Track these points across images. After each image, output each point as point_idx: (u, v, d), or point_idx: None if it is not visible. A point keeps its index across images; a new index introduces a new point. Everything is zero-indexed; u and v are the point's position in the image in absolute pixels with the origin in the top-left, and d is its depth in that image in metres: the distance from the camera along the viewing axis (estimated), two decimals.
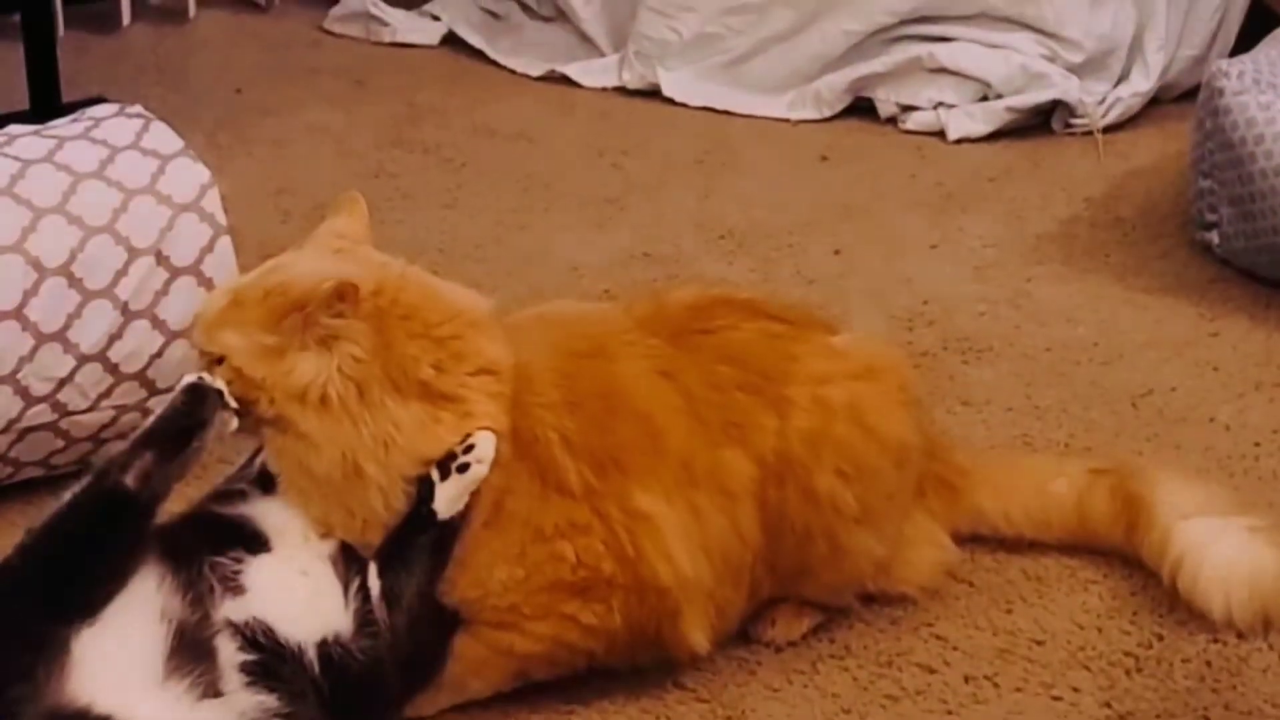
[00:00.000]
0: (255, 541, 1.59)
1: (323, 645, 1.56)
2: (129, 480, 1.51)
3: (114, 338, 1.92)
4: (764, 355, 1.75)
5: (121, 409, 1.95)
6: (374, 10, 3.65)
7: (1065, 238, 2.76)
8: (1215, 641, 1.81)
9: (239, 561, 1.56)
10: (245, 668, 1.51)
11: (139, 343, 1.94)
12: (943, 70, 3.18)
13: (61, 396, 1.92)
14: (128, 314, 1.93)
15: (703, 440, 1.69)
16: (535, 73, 3.43)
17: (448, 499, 1.60)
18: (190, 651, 1.49)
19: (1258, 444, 2.18)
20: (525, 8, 3.59)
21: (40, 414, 1.92)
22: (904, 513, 1.81)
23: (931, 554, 1.86)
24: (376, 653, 1.58)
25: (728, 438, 1.70)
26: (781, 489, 1.71)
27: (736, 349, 1.75)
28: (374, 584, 1.60)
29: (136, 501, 1.52)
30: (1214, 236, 2.63)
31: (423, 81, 3.41)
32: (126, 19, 3.67)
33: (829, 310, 2.46)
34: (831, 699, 1.74)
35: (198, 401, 1.55)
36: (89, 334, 1.92)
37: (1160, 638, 1.82)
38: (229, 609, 1.53)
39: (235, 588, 1.55)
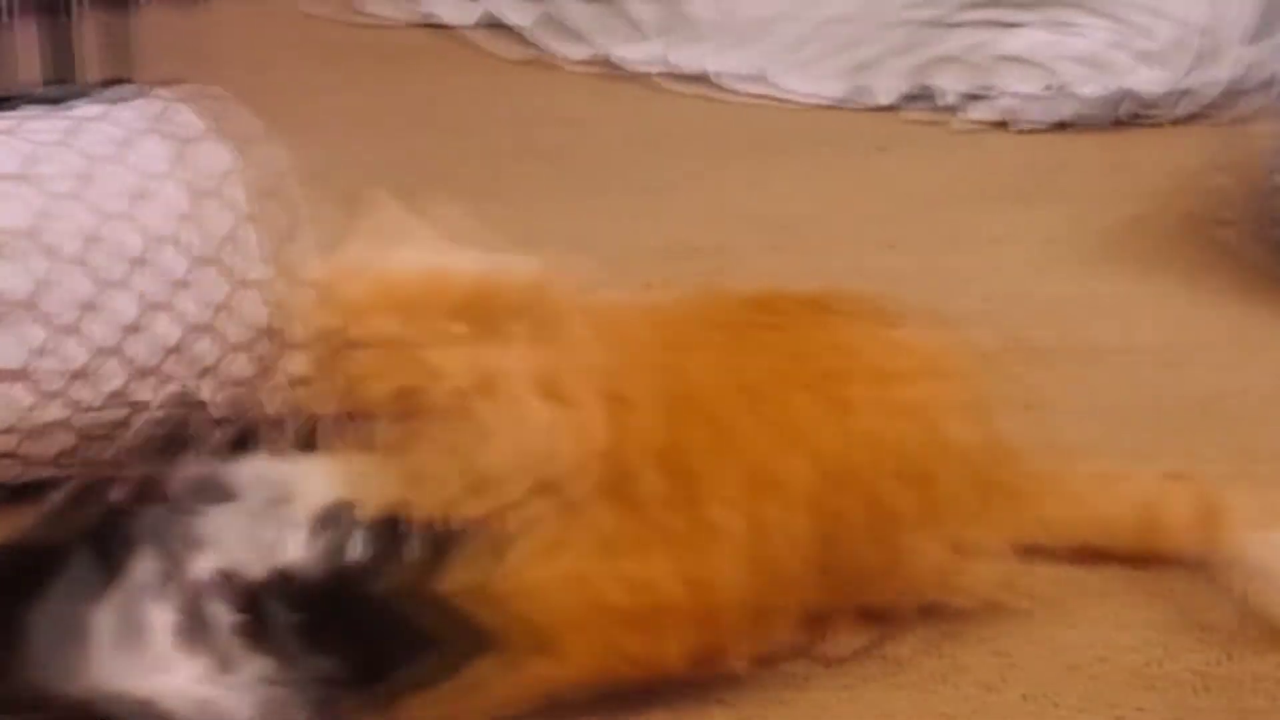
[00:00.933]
0: (219, 494, 1.56)
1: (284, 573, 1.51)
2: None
3: (131, 330, 1.88)
4: (825, 353, 1.70)
5: (136, 406, 1.91)
6: None
7: (1133, 234, 2.72)
8: None
9: (198, 515, 1.54)
10: (236, 629, 1.49)
11: (157, 335, 1.89)
12: (1007, 58, 3.16)
13: (74, 392, 1.87)
14: (145, 305, 1.88)
15: (766, 443, 1.63)
16: (577, 56, 3.42)
17: None
18: (189, 623, 1.48)
19: None
20: None
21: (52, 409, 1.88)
22: (966, 519, 1.75)
23: (993, 565, 1.79)
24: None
25: (789, 440, 1.64)
26: (841, 494, 1.65)
27: (798, 346, 1.70)
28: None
29: None
30: None
31: (459, 64, 3.40)
32: None
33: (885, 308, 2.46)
34: (885, 718, 1.67)
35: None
36: (104, 326, 1.87)
37: (1230, 656, 1.75)
38: (193, 568, 1.50)
39: (195, 542, 1.52)
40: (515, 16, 3.52)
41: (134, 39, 3.36)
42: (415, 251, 1.63)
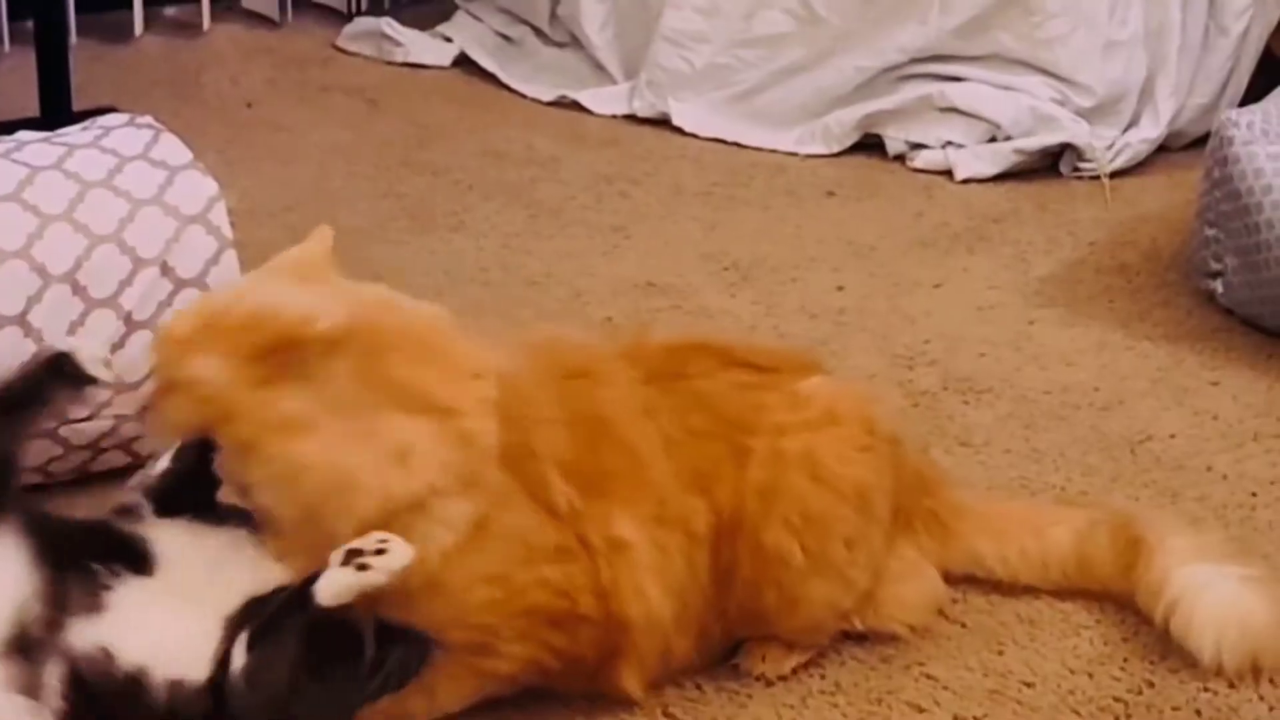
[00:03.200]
0: (140, 562, 1.54)
1: (175, 685, 1.49)
2: None
3: (116, 347, 1.92)
4: (733, 405, 1.75)
5: (121, 418, 1.95)
6: (387, 30, 3.67)
7: (1069, 282, 2.76)
8: (1206, 690, 1.81)
9: (114, 576, 1.52)
10: (65, 696, 1.48)
11: (141, 353, 1.93)
12: (953, 110, 3.19)
13: None
14: (131, 324, 1.93)
15: (675, 482, 1.70)
16: (546, 98, 3.44)
17: (333, 586, 1.48)
18: (25, 647, 1.47)
19: (1254, 494, 2.18)
20: (538, 33, 3.61)
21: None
22: (875, 554, 1.80)
23: (920, 590, 1.86)
24: None
25: (695, 485, 1.70)
26: (733, 541, 1.72)
27: (708, 397, 1.75)
28: (238, 658, 1.50)
29: None
30: (1218, 285, 2.64)
31: (433, 103, 3.42)
32: (139, 29, 3.69)
33: (830, 346, 2.49)
34: None
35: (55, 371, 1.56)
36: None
37: (1151, 684, 1.81)
38: (79, 629, 1.49)
39: (95, 605, 1.50)
40: (488, 60, 3.55)
41: (125, 69, 3.38)
42: (257, 286, 1.58)
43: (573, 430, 1.66)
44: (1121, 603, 1.90)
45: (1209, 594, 1.81)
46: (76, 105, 2.90)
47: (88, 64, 3.39)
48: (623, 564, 1.65)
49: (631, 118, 3.37)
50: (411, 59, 3.63)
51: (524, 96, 3.46)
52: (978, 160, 3.15)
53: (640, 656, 1.70)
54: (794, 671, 1.81)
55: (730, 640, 1.80)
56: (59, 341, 1.61)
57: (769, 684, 1.79)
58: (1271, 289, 2.52)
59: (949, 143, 3.18)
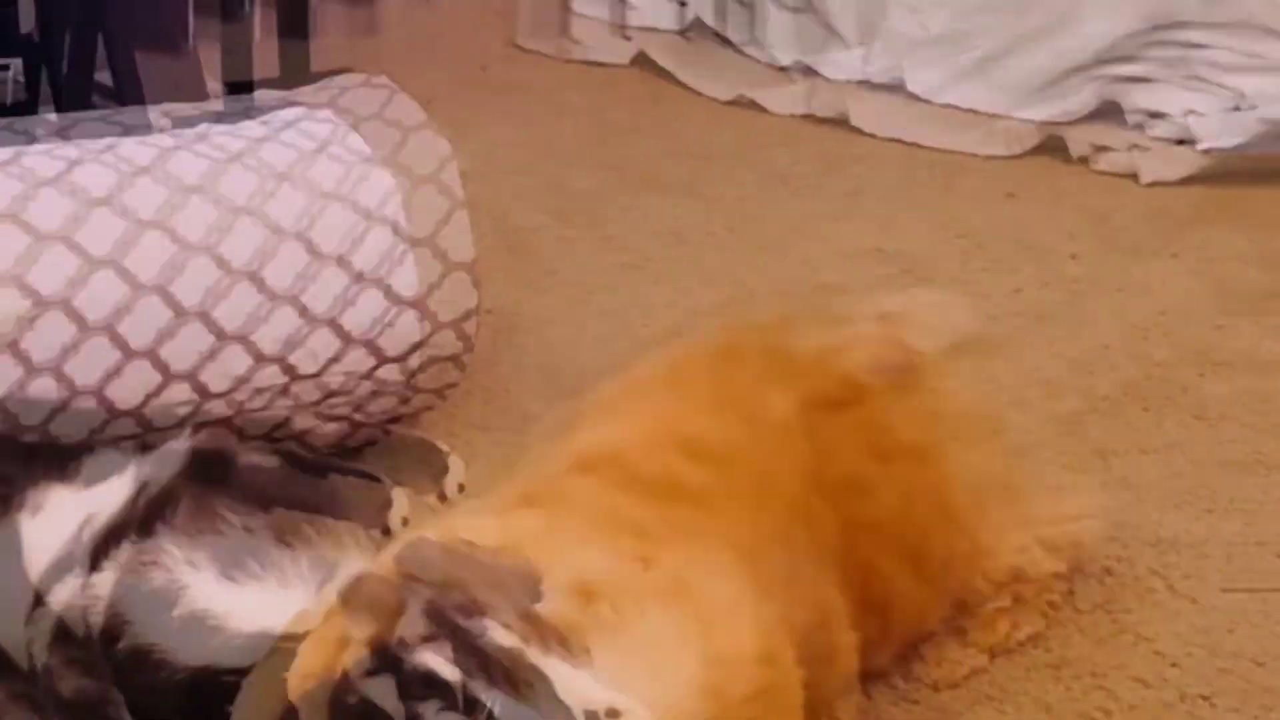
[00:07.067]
0: None
1: None
2: None
3: (348, 305, 1.96)
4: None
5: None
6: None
7: (1262, 295, 2.66)
8: None
9: None
10: None
11: (371, 310, 1.97)
12: (1195, 78, 3.12)
13: (293, 358, 1.96)
14: (361, 281, 1.96)
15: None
16: (724, 97, 3.44)
17: None
18: None
19: None
20: None
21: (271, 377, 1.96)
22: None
23: None
24: None
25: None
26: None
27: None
28: None
29: None
30: None
31: (612, 99, 3.45)
32: None
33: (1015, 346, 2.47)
34: (1044, 709, 1.73)
35: None
36: (323, 296, 1.95)
37: None
38: None
39: None
40: (663, 57, 3.55)
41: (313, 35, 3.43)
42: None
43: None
44: None
45: None
46: (314, 66, 2.96)
47: (325, 25, 3.43)
48: None
49: (808, 117, 3.34)
50: (590, 57, 3.64)
51: (699, 92, 3.46)
52: (1223, 130, 3.06)
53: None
54: (1020, 645, 1.80)
55: None
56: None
57: (935, 689, 1.76)
58: None
59: (1191, 111, 3.10)
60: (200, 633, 1.45)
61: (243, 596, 1.47)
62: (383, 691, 1.27)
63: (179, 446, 1.65)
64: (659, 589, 1.36)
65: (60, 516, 1.57)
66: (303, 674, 1.31)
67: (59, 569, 1.54)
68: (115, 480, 1.61)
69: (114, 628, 1.49)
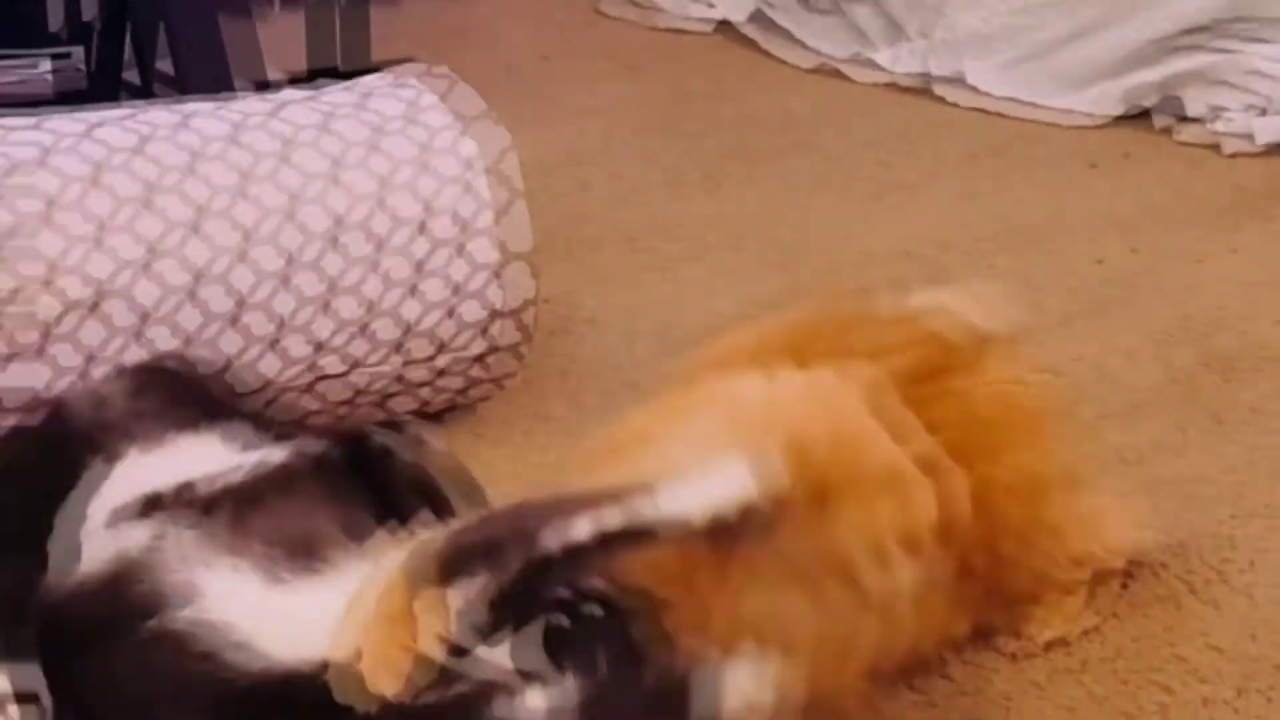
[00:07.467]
0: None
1: None
2: None
3: (407, 295, 2.01)
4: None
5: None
6: None
7: None
8: None
9: None
10: None
11: (430, 301, 2.03)
12: (1256, 73, 3.10)
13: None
14: (421, 273, 2.01)
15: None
16: (807, 65, 3.45)
17: None
18: None
19: None
20: None
21: (333, 365, 2.02)
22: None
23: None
24: None
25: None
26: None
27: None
28: None
29: None
30: None
31: (695, 66, 3.48)
32: None
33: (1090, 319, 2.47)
34: (1067, 712, 1.74)
35: None
36: (380, 288, 2.01)
37: None
38: None
39: None
40: (747, 25, 3.57)
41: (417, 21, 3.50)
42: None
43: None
44: None
45: None
46: (375, 56, 3.01)
47: (385, 16, 3.49)
48: None
49: (892, 86, 3.36)
50: (672, 25, 3.67)
51: (784, 60, 3.48)
52: (1248, 135, 3.05)
53: None
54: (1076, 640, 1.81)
55: None
56: None
57: (1013, 660, 1.79)
58: None
59: (1250, 106, 3.08)
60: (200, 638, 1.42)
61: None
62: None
63: (313, 449, 1.59)
64: None
65: (151, 469, 1.57)
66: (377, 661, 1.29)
67: (116, 516, 1.53)
68: (227, 454, 1.59)
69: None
